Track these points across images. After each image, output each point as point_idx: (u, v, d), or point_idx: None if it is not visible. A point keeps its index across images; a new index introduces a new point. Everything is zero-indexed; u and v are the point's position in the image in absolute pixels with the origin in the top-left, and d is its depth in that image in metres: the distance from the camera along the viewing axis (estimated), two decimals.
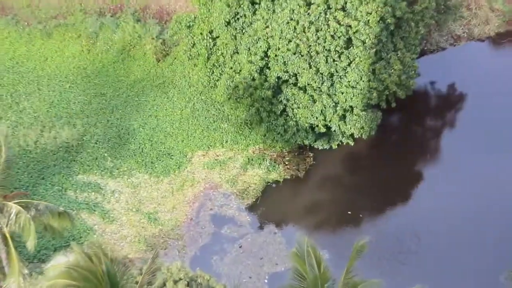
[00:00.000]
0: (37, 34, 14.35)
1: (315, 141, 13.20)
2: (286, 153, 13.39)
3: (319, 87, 12.27)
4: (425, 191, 11.89)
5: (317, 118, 12.53)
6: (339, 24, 11.55)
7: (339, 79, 12.00)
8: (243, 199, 12.40)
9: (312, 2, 11.87)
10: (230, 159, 13.24)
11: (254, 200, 12.40)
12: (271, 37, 12.17)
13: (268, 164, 13.02)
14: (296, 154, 13.40)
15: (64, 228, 6.66)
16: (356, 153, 13.27)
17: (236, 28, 12.47)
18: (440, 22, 13.21)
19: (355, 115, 12.41)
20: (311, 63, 12.05)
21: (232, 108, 13.28)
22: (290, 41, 11.90)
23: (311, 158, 13.29)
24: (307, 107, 12.46)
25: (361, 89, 12.09)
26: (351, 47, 11.63)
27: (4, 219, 5.73)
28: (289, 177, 12.94)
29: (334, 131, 12.97)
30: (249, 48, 12.16)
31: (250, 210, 12.08)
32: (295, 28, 11.89)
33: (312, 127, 12.93)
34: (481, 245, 10.22)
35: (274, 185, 12.81)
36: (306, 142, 13.14)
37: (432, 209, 11.07)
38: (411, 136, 13.33)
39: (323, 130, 12.79)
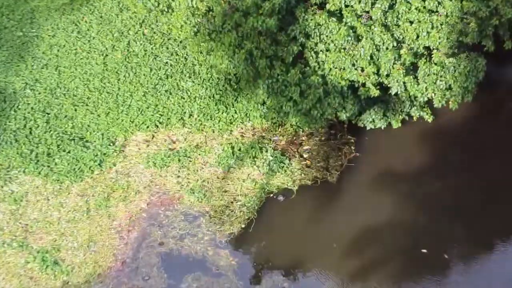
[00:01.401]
0: None
1: (360, 115, 12.33)
2: (305, 138, 12.64)
3: (367, 11, 11.28)
4: None
5: (362, 70, 11.51)
6: None
7: None
8: (222, 225, 11.43)
9: None
10: (198, 148, 12.41)
11: (243, 226, 11.48)
12: None
13: (271, 158, 12.14)
14: (323, 138, 12.59)
15: None
16: (436, 138, 12.45)
17: None
18: None
19: (436, 64, 11.36)
20: None
21: (202, 52, 12.17)
22: None
23: (352, 147, 12.51)
24: (345, 49, 11.47)
25: (447, 16, 11.04)
26: None
27: None
28: (309, 183, 12.07)
29: (396, 95, 11.98)
30: None
31: (236, 246, 11.19)
32: None
33: (353, 88, 11.88)
34: None
35: (281, 197, 11.92)
36: (343, 117, 12.10)
37: None
38: None
39: (374, 93, 11.67)
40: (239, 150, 12.29)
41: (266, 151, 12.31)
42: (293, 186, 12.03)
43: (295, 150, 12.50)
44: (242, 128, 12.62)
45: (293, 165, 12.26)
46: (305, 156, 12.45)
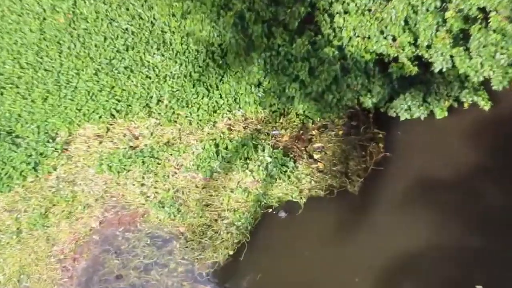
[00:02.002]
0: None
1: (391, 101, 12.30)
2: (316, 132, 12.57)
3: None
4: None
5: (394, 40, 11.45)
6: None
7: None
8: (202, 251, 11.30)
9: None
10: (169, 146, 12.28)
11: (231, 253, 11.35)
12: None
13: (270, 159, 11.98)
14: (341, 133, 12.59)
15: None
16: (496, 132, 12.44)
17: None
18: None
19: (495, 31, 11.17)
20: None
21: (175, 15, 12.56)
22: None
23: (380, 144, 12.49)
24: (370, 10, 11.38)
25: None
26: None
27: None
28: (322, 193, 11.91)
29: (440, 73, 11.99)
30: None
31: (222, 280, 11.19)
32: None
33: (382, 65, 11.89)
34: None
35: (283, 213, 11.74)
36: (368, 103, 11.98)
37: None
38: None
39: (410, 70, 11.71)
40: (226, 148, 12.10)
41: (263, 150, 12.12)
42: (299, 198, 11.86)
43: (303, 148, 12.40)
44: (229, 119, 12.49)
45: (300, 169, 12.07)
46: (316, 157, 12.29)
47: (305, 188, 11.92)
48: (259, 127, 12.48)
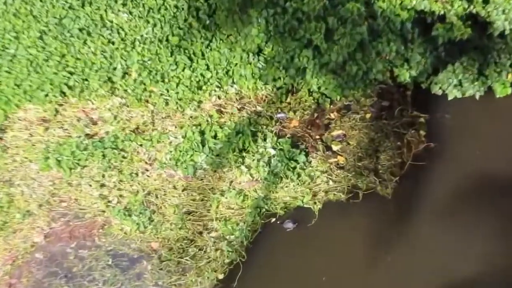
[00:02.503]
0: None
1: (435, 74, 12.33)
2: (335, 115, 12.47)
3: None
4: None
5: None
6: None
7: None
8: (182, 275, 11.12)
9: None
10: (138, 134, 12.21)
11: (220, 277, 11.15)
12: None
13: (273, 152, 11.91)
14: (368, 117, 12.57)
15: None
16: None
17: None
18: None
19: None
20: None
21: None
22: None
23: (421, 131, 12.46)
24: None
25: None
26: None
27: None
28: (343, 197, 11.68)
29: (501, 36, 12.07)
30: None
31: None
32: None
33: (424, 25, 11.90)
34: None
35: (290, 224, 11.59)
36: (405, 76, 11.93)
37: None
38: None
39: (462, 33, 11.61)
40: (215, 137, 11.93)
41: (264, 140, 11.93)
42: (313, 204, 11.56)
43: (318, 137, 12.23)
44: (219, 98, 12.35)
45: (314, 164, 11.83)
46: (335, 148, 12.08)
47: (320, 190, 11.67)
48: (259, 108, 12.32)
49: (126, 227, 11.35)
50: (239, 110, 12.20)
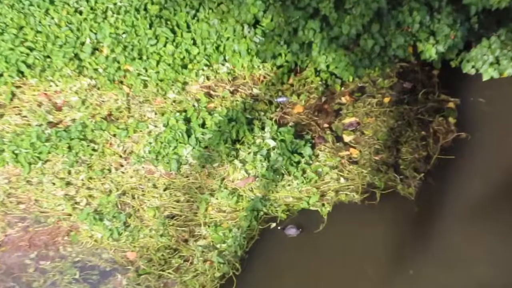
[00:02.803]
0: None
1: (467, 49, 12.18)
2: (347, 99, 12.54)
3: None
4: None
5: None
6: None
7: None
8: None
9: None
10: (111, 121, 12.22)
11: None
12: None
13: (273, 143, 11.81)
14: (387, 101, 12.54)
15: None
16: None
17: None
18: None
19: None
20: None
21: None
22: None
23: (450, 118, 12.38)
24: None
25: None
26: None
27: None
28: (357, 197, 11.48)
29: None
30: None
31: None
32: None
33: None
34: None
35: (293, 230, 11.41)
36: (430, 53, 11.84)
37: None
38: None
39: (499, 1, 11.52)
40: (202, 126, 11.87)
41: (262, 129, 11.82)
42: (320, 206, 11.34)
43: (326, 126, 12.19)
44: (208, 79, 12.46)
45: (322, 158, 11.68)
46: (347, 139, 12.01)
47: (329, 189, 11.42)
48: (256, 91, 12.30)
49: (96, 234, 11.00)
50: (232, 93, 12.07)
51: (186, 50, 12.17)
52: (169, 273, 10.75)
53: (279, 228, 11.00)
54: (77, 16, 12.33)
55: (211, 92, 12.15)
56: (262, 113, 11.88)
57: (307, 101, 12.14)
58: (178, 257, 10.86)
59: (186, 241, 10.92)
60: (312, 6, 11.48)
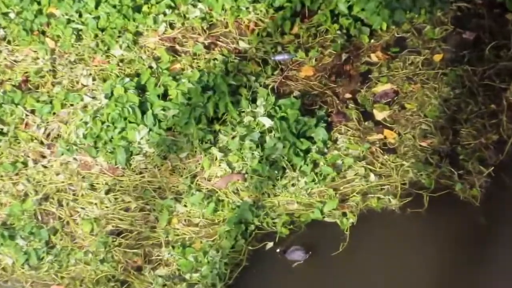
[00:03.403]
0: None
1: None
2: (379, 54, 12.08)
3: None
4: None
5: None
6: None
7: None
8: None
9: None
10: (28, 92, 12.01)
11: None
12: None
13: (269, 122, 11.31)
14: (438, 58, 12.08)
15: None
16: None
17: None
18: None
19: None
20: None
21: None
22: None
23: None
24: None
25: None
26: None
27: None
28: (394, 204, 10.77)
29: None
30: None
31: None
32: None
33: None
34: None
35: (299, 254, 10.75)
36: None
37: None
38: None
39: None
40: (163, 97, 11.35)
41: (253, 101, 11.29)
42: (340, 216, 10.52)
43: (349, 96, 11.55)
44: (172, 26, 12.21)
45: (342, 145, 11.03)
46: (379, 116, 11.32)
47: (353, 191, 10.68)
48: (243, 45, 11.83)
49: (5, 259, 10.20)
50: (208, 48, 11.48)
51: None
52: None
53: (278, 250, 10.09)
54: None
55: (177, 46, 11.55)
56: (253, 78, 11.08)
57: (319, 59, 11.36)
58: None
59: (139, 269, 10.05)
60: None
